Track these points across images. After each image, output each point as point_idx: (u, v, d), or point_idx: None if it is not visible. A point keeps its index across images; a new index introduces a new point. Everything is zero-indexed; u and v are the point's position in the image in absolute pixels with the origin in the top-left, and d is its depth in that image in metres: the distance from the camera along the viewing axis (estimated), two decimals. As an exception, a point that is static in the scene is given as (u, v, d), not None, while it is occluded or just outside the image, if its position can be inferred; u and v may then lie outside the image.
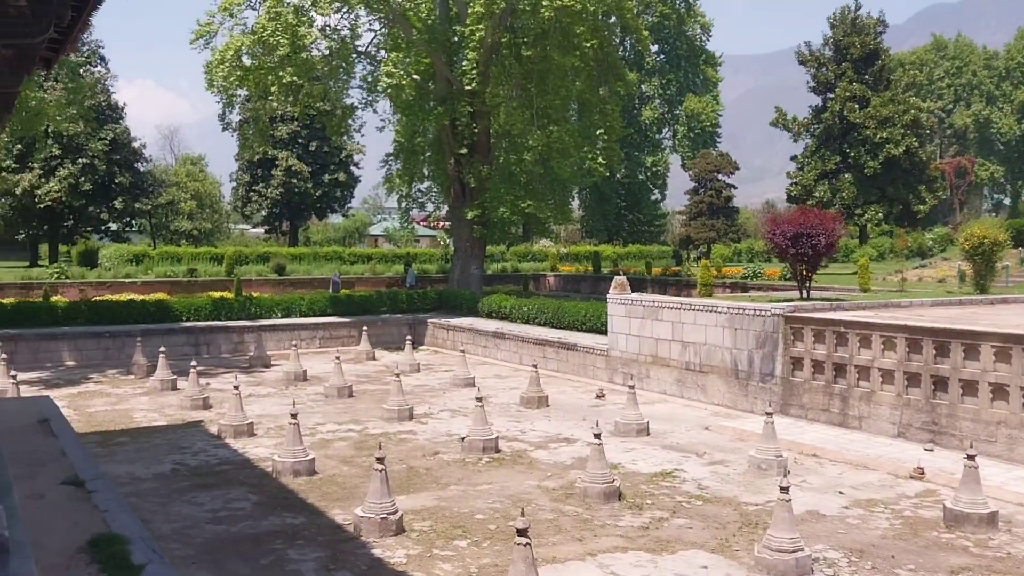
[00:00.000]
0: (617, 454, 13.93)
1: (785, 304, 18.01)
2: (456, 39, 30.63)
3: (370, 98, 33.85)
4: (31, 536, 6.41)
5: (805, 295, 20.18)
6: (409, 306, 31.27)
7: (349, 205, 67.01)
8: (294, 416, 12.94)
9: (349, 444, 15.07)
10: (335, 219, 75.61)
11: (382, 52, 33.09)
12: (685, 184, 56.61)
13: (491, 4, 27.76)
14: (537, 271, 46.55)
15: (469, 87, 29.90)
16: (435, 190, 36.73)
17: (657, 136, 67.53)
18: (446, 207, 36.94)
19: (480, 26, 28.80)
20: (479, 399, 14.58)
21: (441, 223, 51.09)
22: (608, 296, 21.81)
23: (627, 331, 20.93)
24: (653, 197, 68.60)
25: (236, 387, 15.86)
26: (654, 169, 65.72)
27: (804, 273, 20.20)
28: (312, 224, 72.32)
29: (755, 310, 17.75)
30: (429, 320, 29.55)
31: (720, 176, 51.67)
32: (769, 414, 13.42)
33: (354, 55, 31.90)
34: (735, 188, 53.16)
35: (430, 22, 31.20)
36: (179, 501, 11.54)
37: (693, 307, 19.41)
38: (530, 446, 14.92)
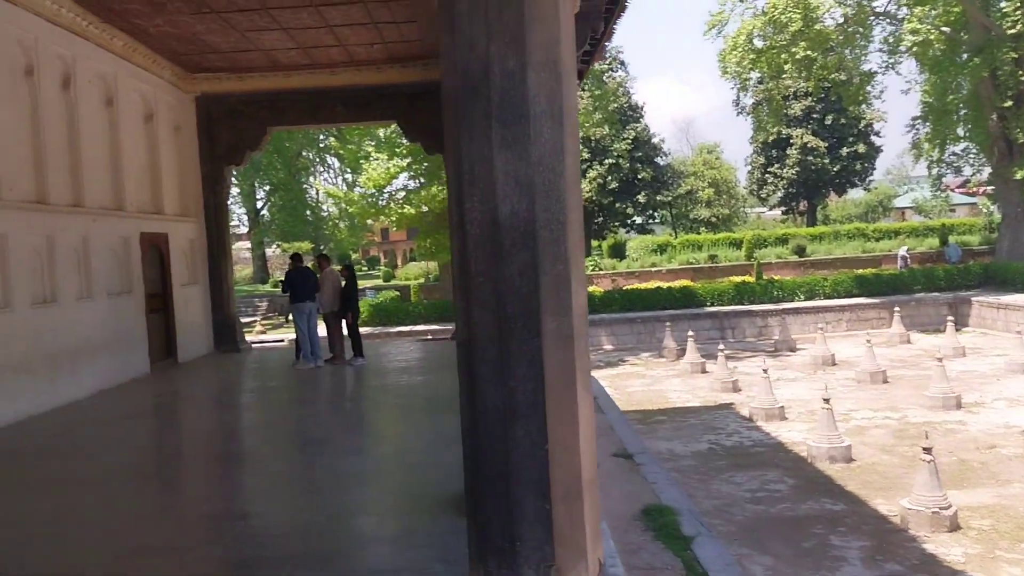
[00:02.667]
0: None
1: None
2: (993, -22, 26.91)
3: (891, 60, 31.41)
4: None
5: None
6: (947, 283, 28.37)
7: (870, 178, 63.18)
8: (827, 401, 12.59)
9: (887, 432, 14.17)
10: (855, 194, 71.90)
11: (903, 9, 30.48)
12: None
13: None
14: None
15: (1011, 30, 26.02)
16: (973, 151, 32.73)
17: None
18: (988, 169, 32.71)
19: (1024, -43, 24.91)
20: (1045, 387, 12.63)
21: (982, 188, 45.41)
22: None
23: None
24: None
25: (765, 371, 15.96)
26: None
27: None
28: (830, 201, 69.75)
29: None
30: (973, 299, 26.45)
31: None
32: None
33: (871, 18, 29.92)
34: None
35: (960, -35, 27.88)
36: (717, 479, 11.97)
37: None
38: (1118, 444, 12.50)
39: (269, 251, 61.31)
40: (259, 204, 50.52)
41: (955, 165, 34.21)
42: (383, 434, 8.45)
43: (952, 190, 47.46)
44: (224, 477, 7.06)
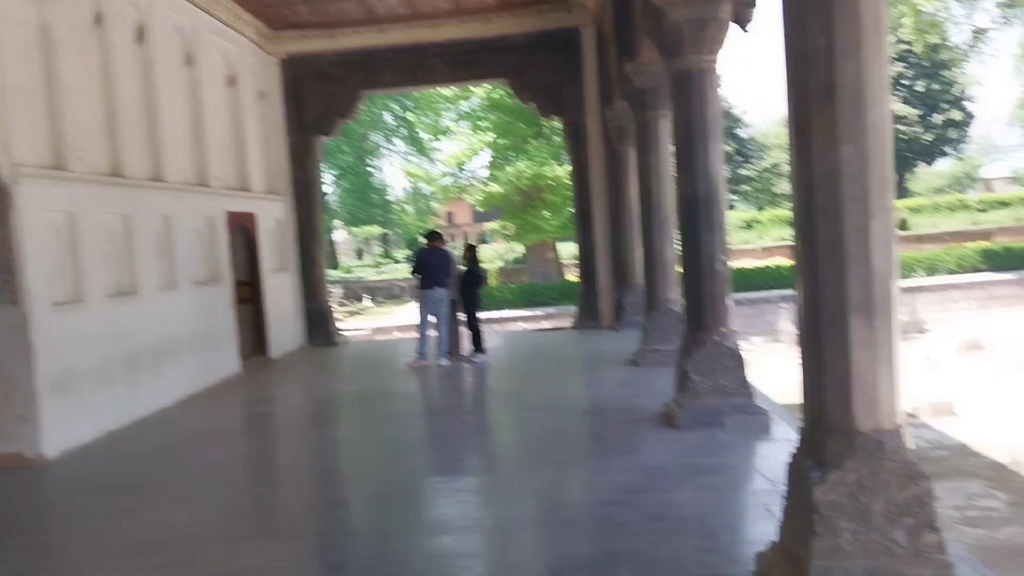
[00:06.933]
0: None
1: None
2: None
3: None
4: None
5: None
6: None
7: (963, 145, 59.52)
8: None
9: (1095, 430, 11.94)
10: (938, 165, 68.09)
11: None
12: None
13: None
14: None
15: None
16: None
17: None
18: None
19: None
20: None
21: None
22: None
23: None
24: None
25: (928, 357, 13.83)
26: None
27: None
28: (920, 172, 66.10)
29: None
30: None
31: None
32: None
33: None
34: None
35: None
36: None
37: None
38: None
39: (336, 236, 60.19)
40: (325, 188, 49.32)
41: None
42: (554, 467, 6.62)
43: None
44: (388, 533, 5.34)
